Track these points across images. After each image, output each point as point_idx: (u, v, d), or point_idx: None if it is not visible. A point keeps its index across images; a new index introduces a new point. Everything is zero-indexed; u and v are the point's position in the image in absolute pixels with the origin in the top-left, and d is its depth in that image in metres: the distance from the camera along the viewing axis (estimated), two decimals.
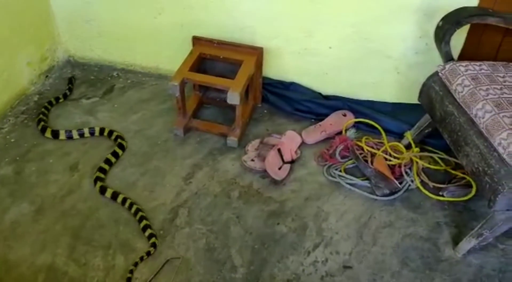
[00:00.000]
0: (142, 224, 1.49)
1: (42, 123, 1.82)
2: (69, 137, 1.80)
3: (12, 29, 1.87)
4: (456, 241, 1.47)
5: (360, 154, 1.71)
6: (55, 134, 1.80)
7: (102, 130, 1.82)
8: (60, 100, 1.98)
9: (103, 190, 1.59)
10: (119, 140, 1.77)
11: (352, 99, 1.92)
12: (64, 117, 1.91)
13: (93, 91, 2.06)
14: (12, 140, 1.79)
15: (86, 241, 1.47)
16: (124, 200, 1.55)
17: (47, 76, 2.11)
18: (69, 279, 1.36)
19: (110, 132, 1.81)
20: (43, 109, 1.89)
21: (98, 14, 2.03)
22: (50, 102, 1.94)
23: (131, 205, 1.54)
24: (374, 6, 1.67)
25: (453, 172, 1.66)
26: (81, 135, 1.81)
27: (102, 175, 1.65)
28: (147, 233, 1.47)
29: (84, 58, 2.21)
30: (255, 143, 1.79)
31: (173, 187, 1.64)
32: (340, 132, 1.83)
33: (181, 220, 1.54)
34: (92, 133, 1.82)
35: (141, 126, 1.88)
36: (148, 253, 1.42)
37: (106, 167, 1.68)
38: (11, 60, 1.91)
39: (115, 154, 1.73)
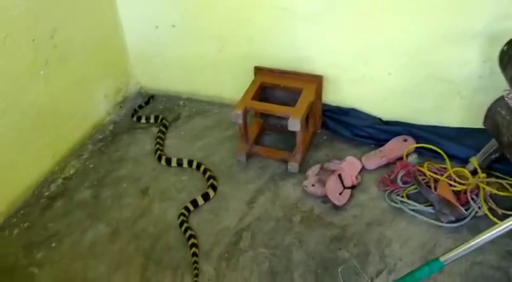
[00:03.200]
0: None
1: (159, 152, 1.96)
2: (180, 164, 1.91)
3: (92, 66, 2.06)
4: None
5: (423, 179, 1.69)
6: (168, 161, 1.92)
7: (190, 162, 1.90)
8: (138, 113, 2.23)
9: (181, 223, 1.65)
10: (211, 180, 1.79)
11: (413, 124, 1.91)
12: (136, 144, 2.06)
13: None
14: (91, 166, 1.95)
15: (156, 262, 1.55)
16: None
17: (121, 106, 2.29)
18: None
19: (198, 166, 1.88)
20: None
21: (166, 49, 2.19)
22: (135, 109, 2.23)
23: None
24: (431, 32, 1.68)
25: None
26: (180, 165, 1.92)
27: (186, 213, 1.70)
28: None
29: (153, 89, 2.37)
30: (316, 168, 1.83)
31: (237, 211, 1.71)
32: (401, 158, 1.82)
33: (244, 243, 1.59)
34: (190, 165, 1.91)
35: (206, 153, 1.97)
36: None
37: (191, 208, 1.72)
38: (91, 93, 2.11)
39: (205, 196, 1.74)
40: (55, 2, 1.79)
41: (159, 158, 1.93)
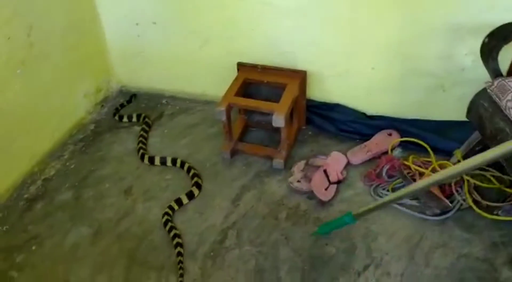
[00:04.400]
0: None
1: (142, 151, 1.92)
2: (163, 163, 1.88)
3: (71, 64, 2.01)
4: None
5: (408, 173, 1.69)
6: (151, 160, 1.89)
7: (174, 161, 1.88)
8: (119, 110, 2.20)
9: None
10: (196, 178, 1.77)
11: (397, 118, 1.91)
12: (119, 143, 2.02)
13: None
14: (72, 166, 1.91)
15: (140, 263, 1.52)
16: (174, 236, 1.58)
17: (102, 105, 2.24)
18: None
19: (182, 164, 1.85)
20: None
21: (147, 46, 2.15)
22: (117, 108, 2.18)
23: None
24: (414, 26, 1.68)
25: (507, 189, 1.60)
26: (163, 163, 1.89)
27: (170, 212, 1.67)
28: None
29: (135, 87, 2.33)
30: (301, 164, 1.81)
31: (222, 209, 1.68)
32: (386, 152, 1.82)
33: (230, 241, 1.57)
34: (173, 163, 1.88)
35: (190, 151, 1.95)
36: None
37: (176, 207, 1.69)
38: (70, 93, 2.06)
39: (190, 195, 1.73)
40: None
41: (142, 157, 1.90)
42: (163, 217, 1.64)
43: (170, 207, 1.67)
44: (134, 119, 2.13)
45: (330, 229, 1.50)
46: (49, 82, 1.90)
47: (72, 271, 1.51)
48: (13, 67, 1.71)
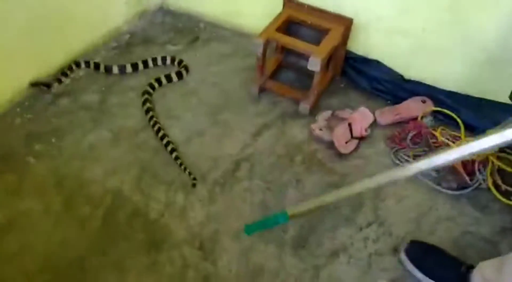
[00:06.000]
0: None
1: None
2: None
3: None
4: None
5: (433, 142, 1.65)
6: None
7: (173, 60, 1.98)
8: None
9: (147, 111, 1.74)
10: (182, 69, 1.91)
11: (435, 87, 1.83)
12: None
13: (179, 38, 2.13)
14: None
15: (152, 175, 1.56)
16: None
17: (140, 18, 2.21)
18: (132, 205, 1.47)
19: (180, 62, 1.96)
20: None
21: None
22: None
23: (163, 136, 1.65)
24: None
25: None
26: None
27: (151, 90, 1.83)
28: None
29: (176, 5, 2.28)
30: (327, 113, 1.78)
31: (240, 141, 1.69)
32: (415, 119, 1.77)
33: (242, 173, 1.59)
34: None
35: (219, 79, 1.93)
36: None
37: (156, 85, 1.85)
38: None
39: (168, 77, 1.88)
40: None
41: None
42: (142, 95, 1.79)
43: (151, 85, 1.83)
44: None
45: (260, 228, 1.23)
46: None
47: (86, 168, 1.55)
48: None
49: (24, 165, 1.54)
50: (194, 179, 1.53)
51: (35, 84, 1.77)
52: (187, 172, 1.55)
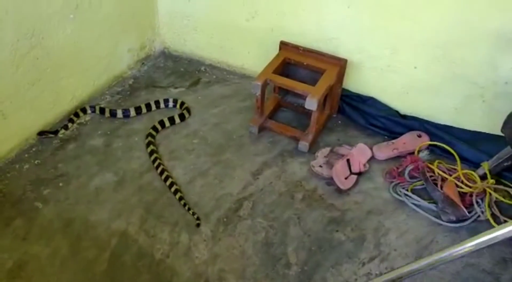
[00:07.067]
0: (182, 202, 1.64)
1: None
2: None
3: (121, 17, 2.07)
4: None
5: (430, 176, 1.69)
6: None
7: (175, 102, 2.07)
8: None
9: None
10: (184, 111, 1.99)
11: (430, 121, 1.89)
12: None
13: (181, 82, 2.22)
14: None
15: (156, 216, 1.59)
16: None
17: (143, 63, 2.31)
18: (138, 246, 1.49)
19: (182, 104, 2.04)
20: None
21: (196, 11, 2.19)
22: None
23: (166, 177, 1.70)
24: (466, 30, 1.65)
25: None
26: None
27: (154, 133, 1.89)
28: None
29: (177, 51, 2.38)
30: (325, 150, 1.83)
31: (241, 180, 1.73)
32: (412, 153, 1.81)
33: (244, 211, 1.62)
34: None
35: (220, 120, 1.99)
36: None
37: (159, 127, 1.92)
38: (116, 45, 2.12)
39: (171, 119, 1.95)
40: None
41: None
42: (146, 137, 1.86)
43: (154, 128, 1.90)
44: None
45: None
46: (98, 31, 1.97)
47: (92, 211, 1.59)
48: (67, 12, 1.79)
49: (32, 209, 1.58)
50: (198, 218, 1.56)
51: (41, 133, 1.83)
52: (191, 212, 1.58)
